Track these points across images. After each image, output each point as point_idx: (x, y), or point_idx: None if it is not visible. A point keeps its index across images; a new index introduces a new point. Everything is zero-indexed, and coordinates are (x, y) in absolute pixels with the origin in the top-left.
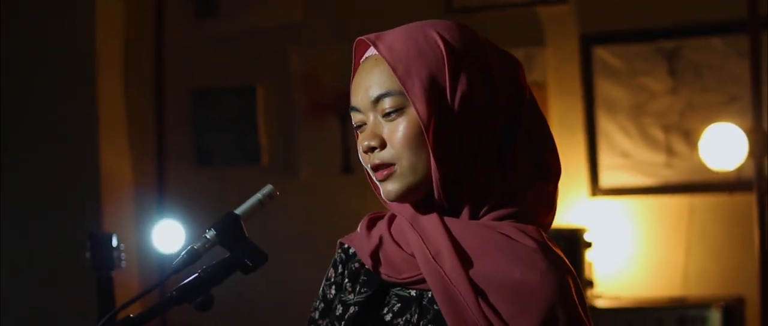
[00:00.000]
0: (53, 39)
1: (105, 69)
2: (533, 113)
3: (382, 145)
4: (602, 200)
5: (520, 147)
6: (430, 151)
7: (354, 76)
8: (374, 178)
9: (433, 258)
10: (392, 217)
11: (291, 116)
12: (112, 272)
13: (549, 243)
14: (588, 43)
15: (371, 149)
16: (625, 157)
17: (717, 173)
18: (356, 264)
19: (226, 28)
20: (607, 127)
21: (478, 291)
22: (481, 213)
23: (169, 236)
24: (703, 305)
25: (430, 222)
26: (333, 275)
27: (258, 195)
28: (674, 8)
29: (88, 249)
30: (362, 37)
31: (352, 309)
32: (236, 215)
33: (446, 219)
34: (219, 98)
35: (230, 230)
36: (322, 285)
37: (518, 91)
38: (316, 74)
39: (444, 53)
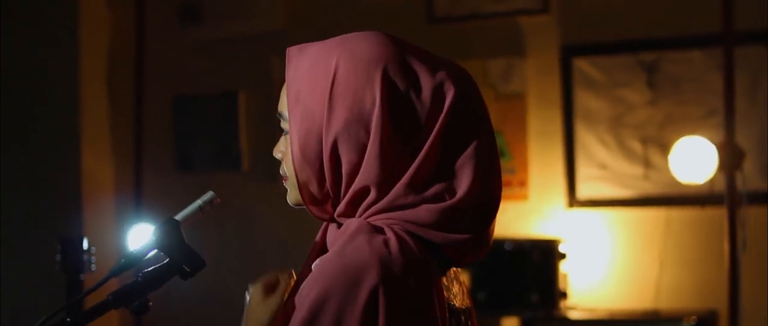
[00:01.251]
0: (36, 43)
1: (88, 73)
2: (440, 144)
3: (283, 158)
4: (579, 211)
5: (423, 170)
6: (295, 178)
7: None
8: None
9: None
10: None
11: (273, 122)
12: (82, 275)
13: (368, 233)
14: (568, 54)
15: (279, 160)
16: (603, 168)
17: (690, 186)
18: None
19: (209, 34)
20: (585, 138)
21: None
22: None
23: (140, 241)
24: (677, 318)
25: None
26: None
27: (198, 202)
28: (654, 21)
29: (59, 251)
30: (289, 48)
31: None
32: (176, 220)
33: (330, 225)
34: (201, 104)
35: (169, 235)
36: None
37: (425, 112)
38: None
39: (329, 87)
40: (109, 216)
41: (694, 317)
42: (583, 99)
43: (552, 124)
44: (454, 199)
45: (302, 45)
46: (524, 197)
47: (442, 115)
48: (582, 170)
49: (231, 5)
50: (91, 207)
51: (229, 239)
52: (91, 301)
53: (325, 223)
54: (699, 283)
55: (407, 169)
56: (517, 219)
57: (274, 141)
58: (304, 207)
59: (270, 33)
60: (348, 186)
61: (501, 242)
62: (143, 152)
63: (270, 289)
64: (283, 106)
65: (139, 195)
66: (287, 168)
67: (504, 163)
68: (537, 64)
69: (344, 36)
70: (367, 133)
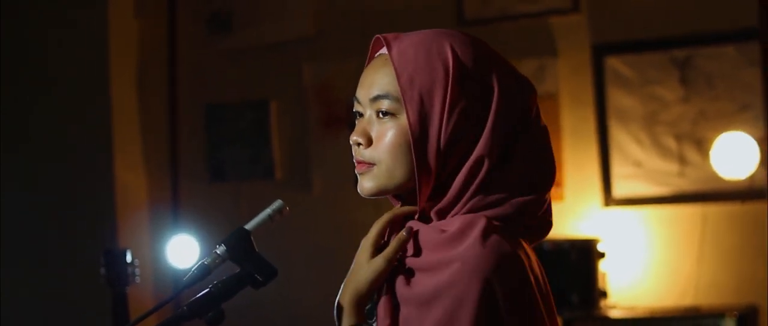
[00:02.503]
0: (68, 54)
1: (119, 84)
2: (533, 141)
3: (368, 143)
4: (615, 210)
5: (508, 171)
6: (414, 163)
7: (365, 68)
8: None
9: None
10: None
11: (305, 130)
12: (127, 288)
13: (489, 228)
14: (600, 53)
15: (358, 144)
16: (638, 166)
17: (729, 182)
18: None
19: (239, 42)
20: (619, 136)
21: (406, 272)
22: (449, 215)
23: (183, 251)
24: (717, 314)
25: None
26: None
27: (268, 211)
28: (685, 17)
29: (103, 265)
30: (380, 35)
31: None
32: (246, 230)
33: (420, 228)
34: (232, 113)
35: (240, 245)
36: None
37: (522, 116)
38: (330, 88)
39: (451, 69)
40: (144, 228)
41: (735, 312)
42: (616, 97)
43: (585, 124)
44: (539, 192)
45: (392, 34)
46: (560, 197)
47: (532, 115)
48: (617, 169)
49: (260, 13)
50: (127, 218)
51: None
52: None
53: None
54: (739, 279)
55: (509, 160)
56: (555, 220)
57: (307, 148)
58: (376, 196)
59: (300, 40)
60: (455, 174)
61: (539, 243)
62: (177, 162)
63: (379, 248)
64: (386, 87)
65: (174, 206)
66: (377, 154)
67: None
68: (569, 63)
69: (440, 30)
70: (482, 122)
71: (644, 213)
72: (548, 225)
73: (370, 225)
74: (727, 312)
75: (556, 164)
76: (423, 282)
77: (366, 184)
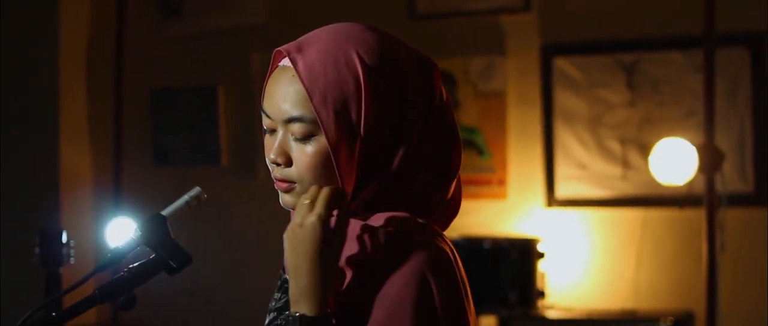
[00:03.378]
0: (15, 35)
1: (67, 65)
2: (441, 120)
3: (288, 163)
4: (558, 211)
5: (420, 155)
6: (339, 177)
7: (269, 77)
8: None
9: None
10: None
11: (252, 117)
12: (61, 268)
13: (413, 226)
14: (548, 54)
15: (277, 164)
16: (582, 168)
17: (669, 187)
18: (282, 272)
19: (190, 28)
20: (564, 137)
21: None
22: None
23: (123, 234)
24: (653, 319)
25: None
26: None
27: (185, 197)
28: (634, 21)
29: (37, 244)
30: (281, 48)
31: (270, 316)
32: (162, 216)
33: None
34: (180, 98)
35: (156, 230)
36: None
37: (429, 96)
38: None
39: (362, 79)
40: (87, 210)
41: (671, 318)
42: (563, 98)
43: (531, 123)
44: (451, 171)
45: (293, 45)
46: (503, 196)
47: (437, 94)
48: (561, 169)
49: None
50: (69, 200)
51: (206, 233)
52: (72, 297)
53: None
54: (676, 284)
55: (419, 154)
56: (496, 218)
57: (254, 135)
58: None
59: (250, 27)
60: (373, 178)
61: (479, 241)
62: (122, 145)
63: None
64: (299, 109)
65: (117, 189)
66: (303, 174)
67: (483, 162)
68: (517, 62)
69: (334, 28)
70: (396, 118)
71: (586, 215)
72: (458, 204)
73: None
74: (663, 317)
75: (502, 163)
76: (357, 281)
77: (288, 200)
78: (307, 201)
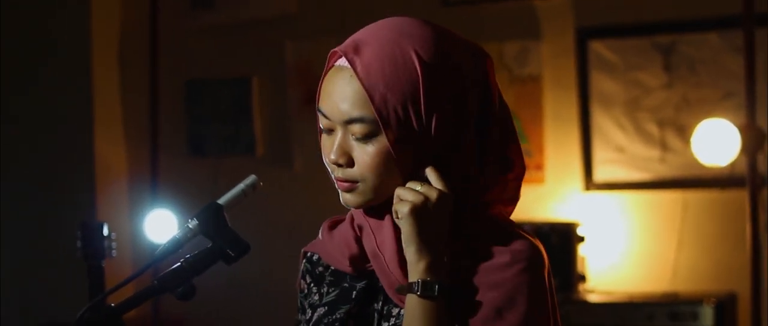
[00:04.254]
0: (49, 29)
1: (100, 59)
2: (501, 112)
3: (350, 164)
4: (596, 194)
5: (489, 148)
6: (401, 176)
7: (325, 77)
8: (335, 184)
9: (377, 248)
10: (352, 216)
11: (286, 107)
12: (103, 261)
13: (515, 225)
14: (583, 37)
15: (339, 164)
16: (620, 151)
17: (710, 169)
18: (321, 268)
19: (222, 18)
20: (601, 121)
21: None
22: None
23: (161, 225)
24: (696, 301)
25: (384, 220)
26: (304, 286)
27: (241, 186)
28: (670, 3)
29: (79, 238)
30: (337, 49)
31: (320, 310)
32: (219, 205)
33: None
34: (214, 89)
35: (213, 220)
36: (299, 298)
37: (486, 89)
38: (312, 66)
39: (420, 76)
40: (123, 202)
41: (713, 299)
42: (599, 82)
43: (568, 107)
44: (516, 172)
45: (349, 44)
46: (541, 180)
47: (492, 86)
48: (598, 153)
49: None
50: (106, 192)
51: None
52: (124, 290)
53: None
54: (718, 266)
55: (492, 149)
56: (534, 203)
57: (288, 125)
58: (361, 207)
59: (283, 17)
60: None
61: (518, 225)
62: (157, 137)
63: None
64: (360, 109)
65: (153, 181)
66: (366, 174)
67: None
68: (552, 46)
69: (389, 24)
70: (458, 114)
71: (625, 198)
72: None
73: None
74: (705, 299)
75: (539, 148)
76: (477, 268)
77: (351, 199)
78: (419, 187)
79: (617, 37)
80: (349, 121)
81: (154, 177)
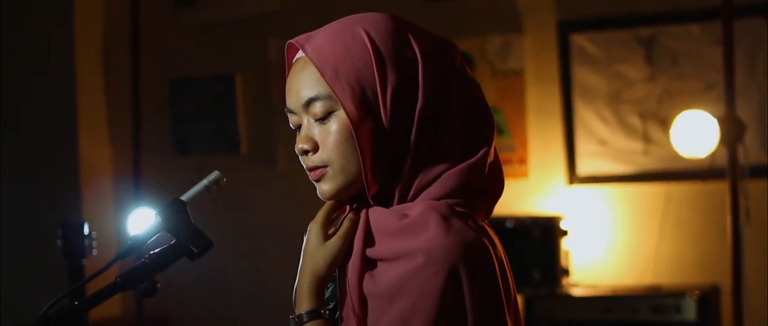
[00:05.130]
0: (32, 29)
1: (84, 58)
2: (462, 93)
3: (315, 148)
4: (579, 188)
5: (448, 130)
6: (359, 152)
7: (287, 76)
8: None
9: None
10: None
11: (270, 105)
12: (83, 260)
13: (451, 215)
14: (565, 30)
15: (305, 152)
16: (603, 144)
17: (691, 161)
18: None
19: (205, 16)
20: (584, 114)
21: (369, 266)
22: (410, 196)
23: (144, 224)
24: (679, 293)
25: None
26: None
27: (204, 182)
28: None
29: (59, 237)
30: (291, 40)
31: (328, 305)
32: (182, 201)
33: (371, 210)
34: (198, 87)
35: (176, 216)
36: None
37: (448, 74)
38: None
39: (371, 52)
40: (107, 201)
41: (697, 292)
42: (582, 75)
43: (550, 101)
44: (484, 147)
45: (302, 36)
46: (524, 174)
47: (457, 71)
48: (581, 146)
49: None
50: (90, 191)
51: (226, 221)
52: (95, 285)
53: (347, 208)
54: (701, 258)
55: (449, 134)
56: (518, 197)
57: (272, 123)
58: (338, 196)
59: (266, 14)
60: (404, 152)
61: (502, 220)
62: (141, 136)
63: (328, 229)
64: (314, 88)
65: (137, 179)
66: (330, 154)
67: (503, 141)
68: (534, 40)
69: (348, 17)
70: (414, 93)
71: (608, 191)
72: (501, 181)
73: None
74: (688, 292)
75: (522, 142)
76: (386, 273)
77: (324, 187)
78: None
79: (599, 30)
80: (307, 103)
81: (137, 176)
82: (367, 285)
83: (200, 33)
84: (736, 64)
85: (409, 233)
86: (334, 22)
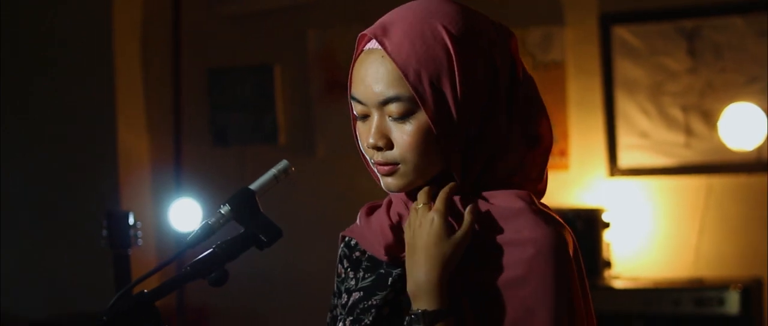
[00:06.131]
0: (71, 19)
1: (122, 48)
2: (527, 86)
3: (389, 146)
4: (621, 180)
5: (516, 123)
6: (443, 154)
7: (355, 62)
8: (375, 170)
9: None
10: (389, 202)
11: (308, 95)
12: (129, 250)
13: (538, 204)
14: (607, 22)
15: (378, 148)
16: (644, 137)
17: (736, 153)
18: (358, 253)
19: (244, 7)
20: (626, 107)
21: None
22: (490, 183)
23: (185, 214)
24: (721, 286)
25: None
26: (341, 271)
27: (273, 171)
28: None
29: (105, 227)
30: (366, 32)
31: (355, 295)
32: (251, 190)
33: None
34: (236, 77)
35: (245, 205)
36: (335, 281)
37: (513, 64)
38: (334, 53)
39: (452, 52)
40: (146, 191)
41: (739, 284)
42: (623, 67)
43: (591, 93)
44: (544, 146)
45: (377, 27)
46: (565, 167)
47: (518, 62)
48: (623, 139)
49: None
50: (129, 182)
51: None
52: (154, 278)
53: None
54: (743, 251)
55: (515, 121)
56: (559, 189)
57: (309, 113)
58: (404, 190)
59: (305, 5)
60: (481, 143)
61: (544, 206)
62: (180, 126)
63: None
64: (395, 88)
65: (177, 170)
66: (407, 154)
67: None
68: (576, 32)
69: (413, 5)
70: (490, 88)
71: (649, 183)
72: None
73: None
74: (731, 285)
75: (563, 134)
76: (496, 263)
77: (392, 182)
78: (421, 206)
79: (641, 22)
80: (385, 102)
81: (178, 166)
82: (476, 275)
83: (239, 23)
84: None
85: (511, 223)
86: (407, 9)
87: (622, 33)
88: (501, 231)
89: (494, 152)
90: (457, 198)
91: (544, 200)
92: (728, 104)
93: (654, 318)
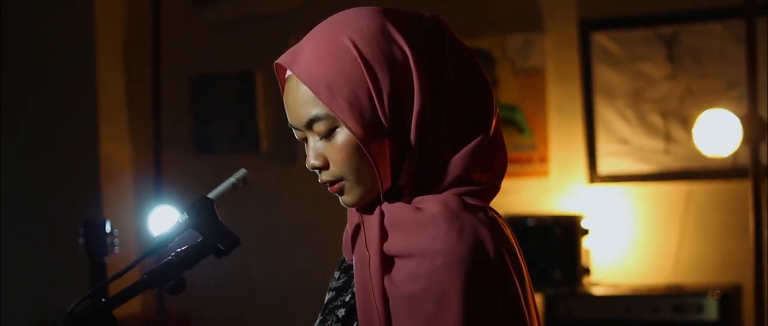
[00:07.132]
0: (53, 27)
1: (104, 56)
2: (458, 69)
3: (326, 165)
4: (601, 187)
5: (449, 114)
6: (372, 161)
7: (283, 92)
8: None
9: (365, 247)
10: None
11: None
12: (106, 258)
13: (465, 210)
14: (587, 29)
15: (317, 168)
16: (624, 143)
17: (713, 160)
18: (341, 253)
19: (225, 14)
20: (605, 113)
21: (386, 260)
22: (421, 187)
23: (166, 222)
24: (700, 293)
25: (373, 209)
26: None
27: (231, 179)
28: None
29: (82, 235)
30: (277, 61)
31: (328, 295)
32: (209, 199)
33: (385, 205)
34: (218, 85)
35: (203, 214)
36: None
37: (439, 54)
38: None
39: (360, 62)
40: (128, 199)
41: (718, 291)
42: (603, 74)
43: (571, 100)
44: (485, 137)
45: (288, 53)
46: (545, 173)
47: (447, 46)
48: (602, 145)
49: None
50: (111, 189)
51: (247, 219)
52: (117, 284)
53: (353, 210)
54: (722, 258)
55: (450, 117)
56: (539, 196)
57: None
58: (361, 203)
59: (286, 12)
60: (407, 146)
61: (522, 219)
62: (162, 134)
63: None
64: (313, 108)
65: (158, 177)
66: (342, 169)
67: (524, 139)
68: (555, 39)
69: (326, 20)
70: (411, 94)
71: (629, 190)
72: (504, 152)
73: None
74: (710, 292)
75: (543, 140)
76: (405, 272)
77: (346, 199)
78: None
79: (620, 29)
80: (309, 124)
81: (158, 174)
82: (387, 283)
83: (221, 31)
84: (759, 63)
85: (424, 231)
86: (316, 28)
87: (601, 39)
88: (416, 240)
89: (426, 153)
90: (384, 206)
91: (506, 197)
92: (709, 109)
93: (633, 325)
